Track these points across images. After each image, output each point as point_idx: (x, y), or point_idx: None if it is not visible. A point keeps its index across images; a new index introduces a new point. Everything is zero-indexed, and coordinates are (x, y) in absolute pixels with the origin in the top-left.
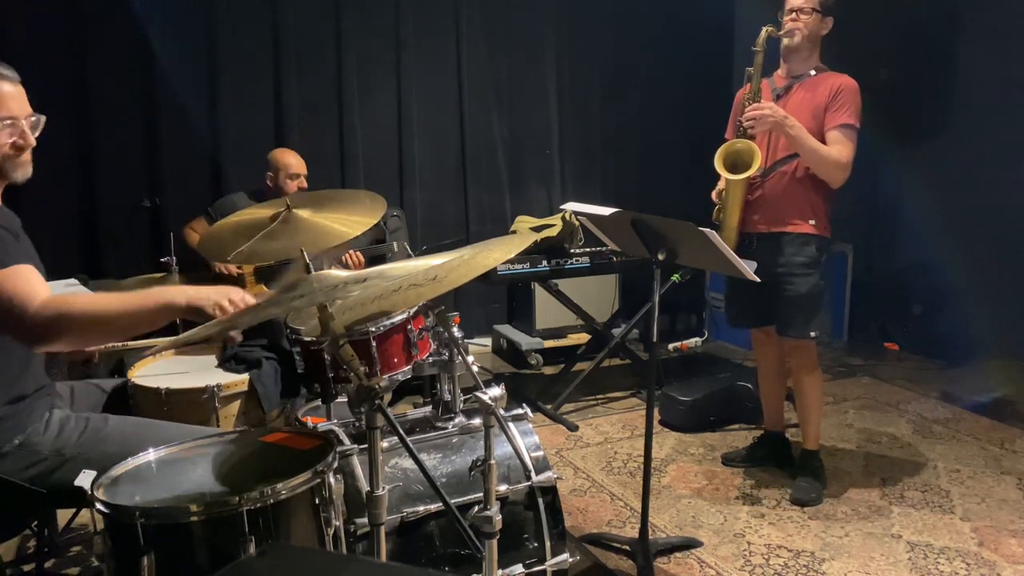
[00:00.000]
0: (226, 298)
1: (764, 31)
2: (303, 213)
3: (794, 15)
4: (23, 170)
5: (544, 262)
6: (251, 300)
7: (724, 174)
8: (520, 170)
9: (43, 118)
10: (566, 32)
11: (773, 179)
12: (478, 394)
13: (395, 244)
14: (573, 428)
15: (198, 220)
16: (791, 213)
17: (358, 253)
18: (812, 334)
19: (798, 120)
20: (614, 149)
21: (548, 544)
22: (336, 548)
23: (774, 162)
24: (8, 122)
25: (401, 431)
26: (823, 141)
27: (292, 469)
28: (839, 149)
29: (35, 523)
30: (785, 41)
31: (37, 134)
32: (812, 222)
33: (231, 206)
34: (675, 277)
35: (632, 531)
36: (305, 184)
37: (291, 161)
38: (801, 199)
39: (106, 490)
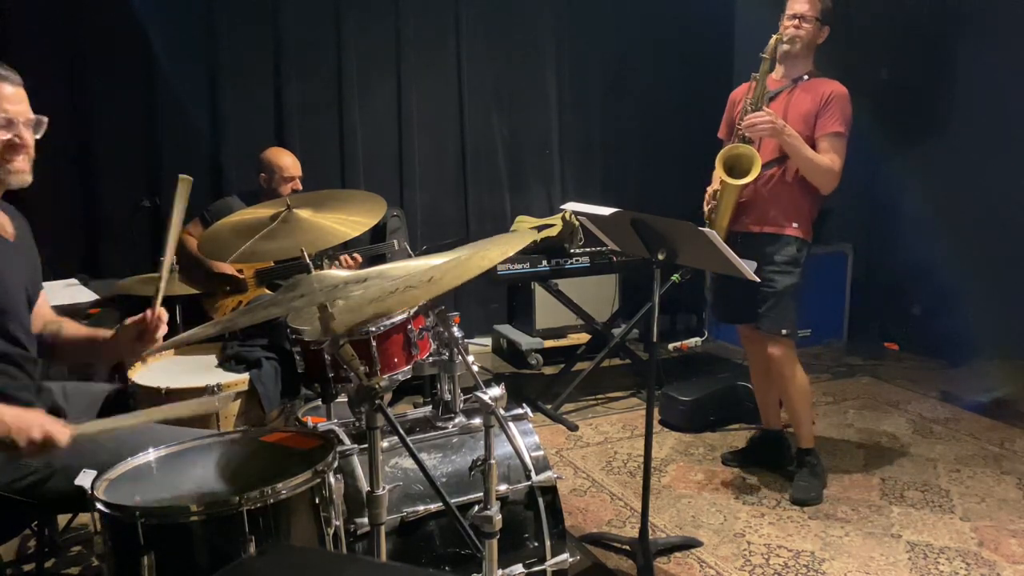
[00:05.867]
0: (39, 432)
1: (774, 39)
2: (303, 213)
3: (797, 21)
4: (18, 177)
5: (544, 262)
6: (63, 436)
7: (723, 176)
8: (520, 170)
9: (45, 119)
10: (566, 32)
11: (761, 181)
12: (478, 394)
13: (395, 242)
14: (573, 428)
15: (193, 224)
16: (776, 215)
17: (355, 255)
18: (783, 331)
19: (791, 125)
20: (614, 149)
21: (548, 544)
22: (336, 548)
23: (762, 164)
24: (2, 120)
25: (401, 431)
26: (813, 146)
27: (292, 469)
28: (831, 157)
29: (35, 523)
30: (786, 47)
31: (39, 135)
32: (795, 224)
33: (227, 209)
34: (675, 277)
35: (632, 531)
36: (300, 186)
37: (286, 163)
38: (787, 202)
39: (106, 490)
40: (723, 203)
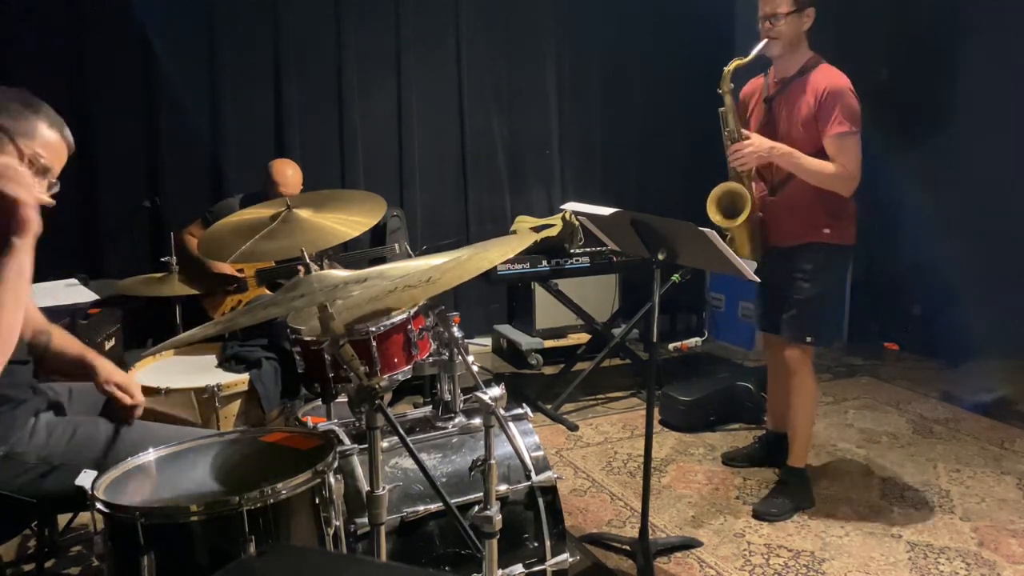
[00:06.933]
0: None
1: (727, 70)
2: (303, 213)
3: (769, 23)
4: None
5: (544, 262)
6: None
7: (719, 222)
8: (520, 170)
9: (58, 186)
10: (566, 32)
11: (782, 196)
12: (478, 394)
13: (396, 246)
14: (573, 428)
15: (195, 225)
16: (798, 227)
17: (333, 263)
18: (808, 339)
19: (791, 134)
20: (614, 149)
21: (548, 544)
22: (336, 548)
23: (779, 180)
24: (44, 166)
25: (401, 431)
26: (823, 146)
27: (292, 469)
28: (840, 161)
29: (35, 523)
30: (766, 50)
31: (49, 194)
32: (826, 230)
33: (228, 210)
34: (675, 277)
35: (632, 531)
36: None
37: (283, 178)
38: (808, 211)
39: (106, 490)
40: (736, 238)
